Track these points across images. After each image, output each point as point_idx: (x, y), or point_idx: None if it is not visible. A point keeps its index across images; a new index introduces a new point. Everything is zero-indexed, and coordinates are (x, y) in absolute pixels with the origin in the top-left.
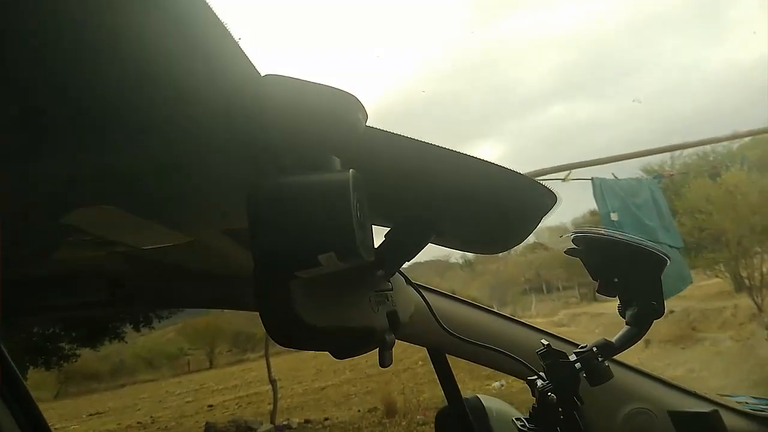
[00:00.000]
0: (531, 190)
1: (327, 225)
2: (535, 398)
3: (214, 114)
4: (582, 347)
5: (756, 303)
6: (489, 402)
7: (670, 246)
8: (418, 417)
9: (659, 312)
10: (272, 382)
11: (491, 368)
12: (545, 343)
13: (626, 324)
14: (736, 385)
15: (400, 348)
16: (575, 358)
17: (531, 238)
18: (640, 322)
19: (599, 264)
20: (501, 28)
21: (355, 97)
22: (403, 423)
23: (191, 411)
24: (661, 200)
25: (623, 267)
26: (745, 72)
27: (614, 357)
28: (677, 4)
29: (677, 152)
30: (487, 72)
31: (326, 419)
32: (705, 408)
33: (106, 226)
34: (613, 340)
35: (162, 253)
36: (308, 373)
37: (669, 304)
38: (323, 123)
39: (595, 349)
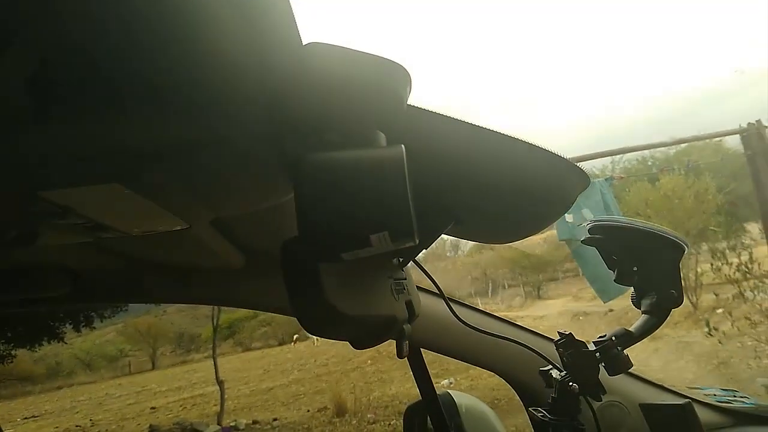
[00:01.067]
0: (561, 171)
1: (382, 203)
2: (552, 388)
3: (247, 82)
4: (601, 337)
5: (691, 302)
6: (459, 397)
7: None
8: (368, 416)
9: (679, 301)
10: (219, 382)
11: (468, 363)
12: (565, 332)
13: (643, 313)
14: (672, 381)
15: (349, 347)
16: (594, 348)
17: None
18: (658, 311)
19: (618, 252)
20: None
21: (405, 69)
22: (354, 422)
23: (133, 413)
24: (612, 202)
25: (643, 255)
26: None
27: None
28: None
29: (618, 157)
30: None
31: (275, 419)
32: (675, 401)
33: (98, 208)
34: (632, 329)
35: (129, 244)
36: (255, 373)
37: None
38: (371, 96)
39: (614, 338)
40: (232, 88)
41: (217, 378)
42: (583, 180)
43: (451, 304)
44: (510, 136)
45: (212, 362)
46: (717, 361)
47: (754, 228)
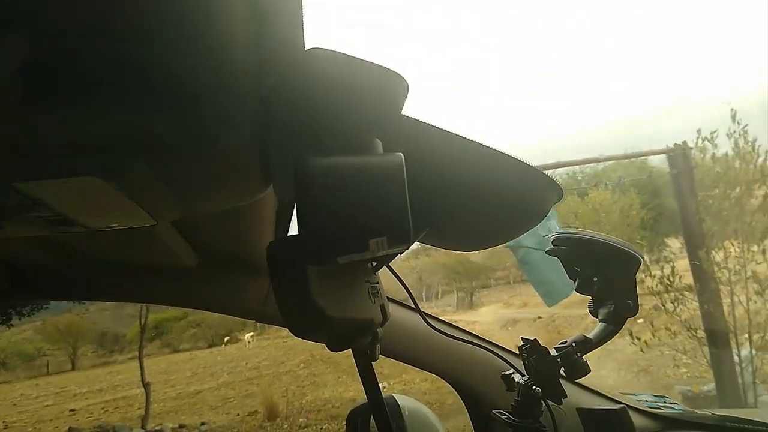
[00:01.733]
0: (537, 182)
1: (383, 209)
2: (514, 392)
3: (244, 80)
4: (562, 343)
5: None
6: (403, 401)
7: None
8: (300, 420)
9: (634, 310)
10: (145, 385)
11: (418, 368)
12: (529, 339)
13: (600, 321)
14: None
15: (281, 350)
16: (556, 353)
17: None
18: (615, 320)
19: (580, 263)
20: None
21: (404, 78)
22: (285, 426)
23: (50, 415)
24: (552, 212)
25: (603, 266)
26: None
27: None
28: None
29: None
30: None
31: (203, 424)
32: (610, 406)
33: (70, 202)
34: (591, 336)
35: (75, 238)
36: (182, 375)
37: (536, 310)
38: (370, 103)
39: (574, 344)
40: (228, 86)
41: (143, 380)
42: (557, 192)
43: (411, 309)
44: (489, 146)
45: (137, 363)
46: (637, 368)
47: (674, 243)
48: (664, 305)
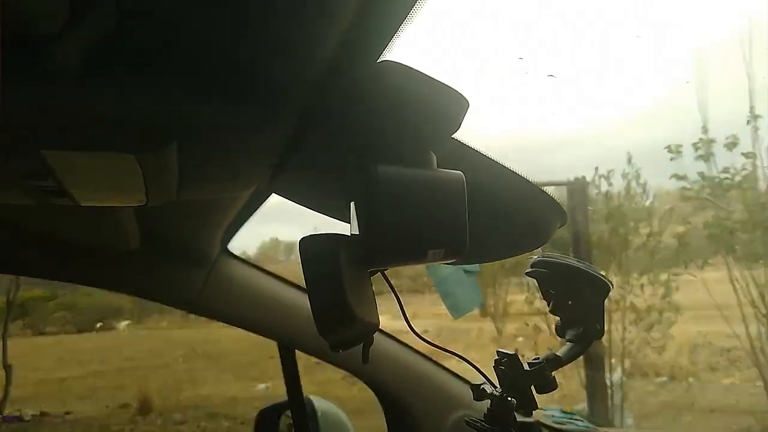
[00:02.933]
0: (546, 206)
1: (444, 223)
2: (489, 401)
3: (307, 86)
4: (535, 359)
5: (497, 328)
6: (318, 402)
7: (466, 271)
8: (176, 416)
9: (601, 333)
10: (6, 367)
11: (344, 370)
12: (508, 353)
13: (568, 341)
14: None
15: (159, 342)
16: (529, 368)
17: None
18: (583, 341)
19: (557, 286)
20: None
21: (467, 99)
22: (159, 422)
23: None
24: None
25: (578, 291)
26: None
27: (445, 367)
28: None
29: None
30: None
31: (67, 413)
32: (524, 419)
33: (79, 175)
34: (560, 354)
35: (23, 213)
36: (47, 361)
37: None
38: (435, 119)
39: (545, 362)
40: (296, 87)
41: (4, 362)
42: (561, 218)
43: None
44: (510, 168)
45: None
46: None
47: None
48: (549, 326)
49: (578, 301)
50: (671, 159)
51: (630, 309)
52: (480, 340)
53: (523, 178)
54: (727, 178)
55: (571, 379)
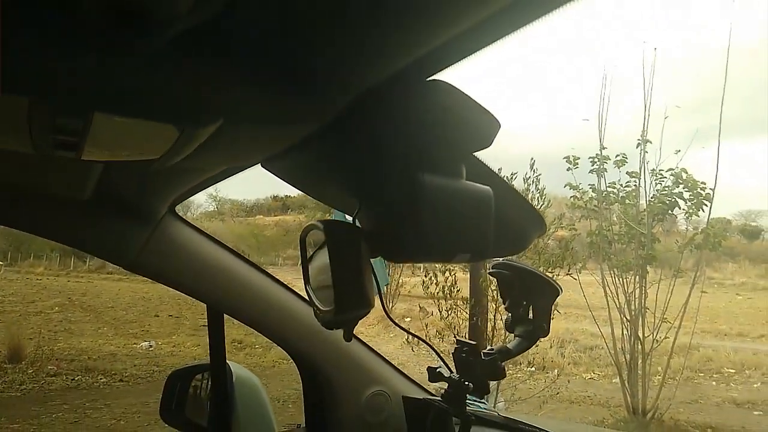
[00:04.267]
0: (530, 217)
1: (474, 230)
2: (446, 383)
3: (356, 90)
4: (489, 349)
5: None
6: (234, 368)
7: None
8: (49, 367)
9: (547, 332)
10: None
11: (270, 339)
12: (469, 342)
13: (517, 337)
14: None
15: (34, 288)
16: (485, 357)
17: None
18: (531, 338)
19: (516, 287)
20: None
21: (498, 121)
22: (30, 371)
23: None
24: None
25: (533, 293)
26: None
27: (364, 342)
28: None
29: None
30: None
31: None
32: (432, 397)
33: (111, 137)
34: (510, 347)
35: None
36: None
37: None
38: (471, 136)
39: (499, 353)
40: (351, 90)
41: None
42: (541, 229)
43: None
44: (505, 180)
45: None
46: (397, 362)
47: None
48: (440, 311)
49: (531, 302)
50: (568, 169)
51: None
52: (367, 319)
53: (515, 189)
54: (612, 193)
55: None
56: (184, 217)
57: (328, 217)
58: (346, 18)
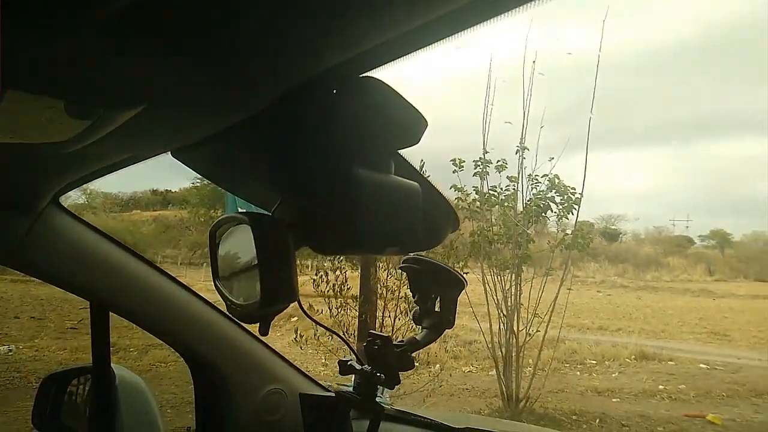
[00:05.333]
0: (446, 214)
1: (403, 225)
2: (354, 375)
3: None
4: (400, 341)
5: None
6: (118, 370)
7: None
8: None
9: (452, 324)
10: None
11: (159, 339)
12: (382, 335)
13: (424, 329)
14: None
15: None
16: (396, 349)
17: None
18: (437, 330)
19: (425, 281)
20: None
21: (426, 120)
22: None
23: None
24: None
25: (442, 286)
26: None
27: (263, 339)
28: None
29: None
30: None
31: None
32: (329, 393)
33: None
34: (419, 338)
35: None
36: None
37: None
38: (400, 132)
39: (408, 344)
40: (280, 82)
41: None
42: (455, 224)
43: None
44: (427, 178)
45: None
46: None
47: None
48: (330, 309)
49: (439, 295)
50: (454, 171)
51: (403, 299)
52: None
53: (433, 185)
54: (493, 195)
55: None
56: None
57: (214, 213)
58: (284, 11)
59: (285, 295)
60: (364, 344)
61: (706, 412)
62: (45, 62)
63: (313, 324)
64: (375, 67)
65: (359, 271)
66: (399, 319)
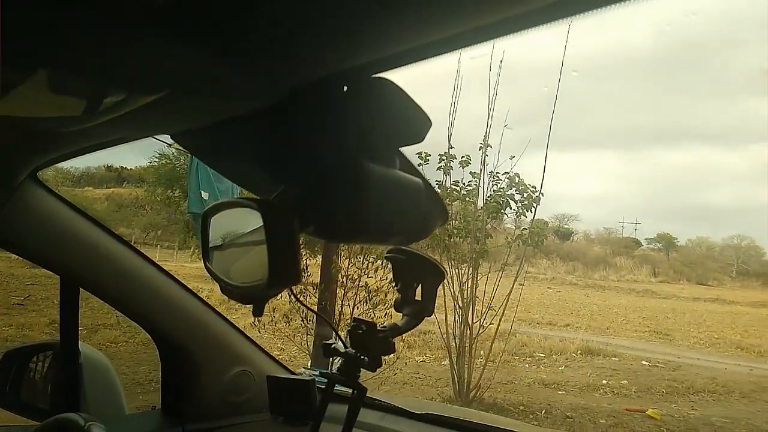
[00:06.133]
0: (436, 207)
1: (408, 216)
2: (339, 358)
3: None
4: (383, 326)
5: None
6: (84, 348)
7: None
8: None
9: (432, 312)
10: None
11: (128, 317)
12: (366, 321)
13: (405, 316)
14: None
15: None
16: (379, 334)
17: None
18: (417, 317)
19: (409, 272)
20: None
21: (431, 122)
22: None
23: None
24: (236, 191)
25: (425, 276)
26: None
27: (230, 321)
28: None
29: None
30: None
31: None
32: (302, 377)
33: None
34: (400, 325)
35: None
36: None
37: None
38: (407, 130)
39: (390, 330)
40: (298, 75)
41: None
42: (443, 218)
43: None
44: (421, 173)
45: None
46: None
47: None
48: (289, 295)
49: (422, 284)
50: (419, 164)
51: (363, 288)
52: (208, 300)
53: (427, 180)
54: (456, 190)
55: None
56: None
57: (172, 194)
58: (312, 9)
59: (291, 277)
60: (348, 329)
61: (646, 407)
62: (69, 43)
63: (270, 310)
64: (387, 70)
65: (320, 258)
66: (358, 308)
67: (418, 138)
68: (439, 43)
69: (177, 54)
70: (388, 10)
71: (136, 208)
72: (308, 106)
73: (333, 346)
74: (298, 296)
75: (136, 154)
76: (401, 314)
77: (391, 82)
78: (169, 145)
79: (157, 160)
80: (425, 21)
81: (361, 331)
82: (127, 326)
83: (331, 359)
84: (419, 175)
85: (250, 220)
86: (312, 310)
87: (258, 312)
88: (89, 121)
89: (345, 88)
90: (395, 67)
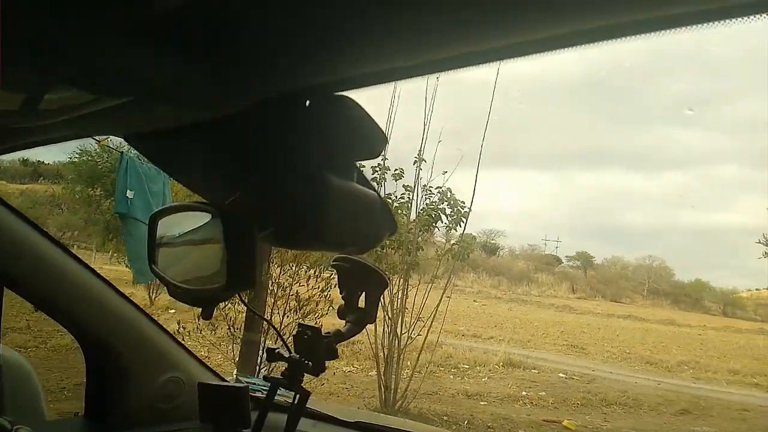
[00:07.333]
0: (386, 220)
1: (363, 228)
2: (285, 363)
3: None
4: (327, 333)
5: (149, 297)
6: (2, 350)
7: None
8: None
9: (374, 319)
10: None
11: (54, 318)
12: (312, 326)
13: (348, 323)
14: None
15: None
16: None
17: None
18: (360, 324)
19: (354, 280)
20: None
21: (387, 140)
22: None
23: None
24: (169, 193)
25: (369, 284)
26: None
27: (161, 325)
28: None
29: None
30: None
31: None
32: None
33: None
34: (344, 331)
35: None
36: None
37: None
38: (365, 145)
39: (334, 336)
40: (264, 87)
41: None
42: (392, 230)
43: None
44: (374, 187)
45: None
46: None
47: None
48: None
49: (365, 292)
50: None
51: (293, 297)
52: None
53: (378, 193)
54: (388, 203)
55: (218, 354)
56: None
57: (92, 192)
58: (286, 24)
59: (248, 281)
60: (294, 334)
61: (562, 418)
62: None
63: (195, 317)
64: (349, 89)
65: None
66: (288, 317)
67: (375, 153)
68: (401, 70)
69: (141, 59)
70: (352, 36)
71: (51, 206)
72: (270, 117)
73: (277, 351)
74: (227, 303)
75: (54, 149)
76: (345, 321)
77: (352, 99)
78: (98, 142)
79: (78, 156)
80: (387, 49)
81: (306, 337)
82: (38, 331)
83: (258, 367)
84: (373, 188)
85: (201, 224)
86: (261, 317)
87: (207, 315)
88: (32, 120)
89: (307, 103)
90: (357, 88)
